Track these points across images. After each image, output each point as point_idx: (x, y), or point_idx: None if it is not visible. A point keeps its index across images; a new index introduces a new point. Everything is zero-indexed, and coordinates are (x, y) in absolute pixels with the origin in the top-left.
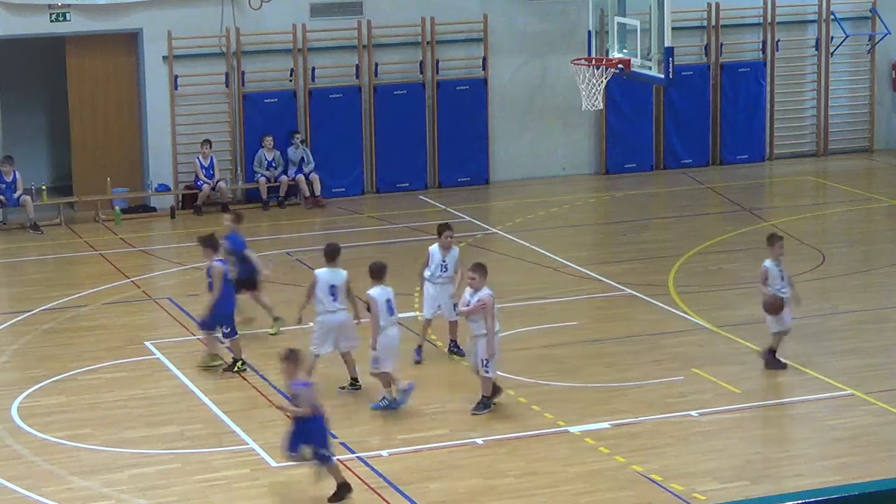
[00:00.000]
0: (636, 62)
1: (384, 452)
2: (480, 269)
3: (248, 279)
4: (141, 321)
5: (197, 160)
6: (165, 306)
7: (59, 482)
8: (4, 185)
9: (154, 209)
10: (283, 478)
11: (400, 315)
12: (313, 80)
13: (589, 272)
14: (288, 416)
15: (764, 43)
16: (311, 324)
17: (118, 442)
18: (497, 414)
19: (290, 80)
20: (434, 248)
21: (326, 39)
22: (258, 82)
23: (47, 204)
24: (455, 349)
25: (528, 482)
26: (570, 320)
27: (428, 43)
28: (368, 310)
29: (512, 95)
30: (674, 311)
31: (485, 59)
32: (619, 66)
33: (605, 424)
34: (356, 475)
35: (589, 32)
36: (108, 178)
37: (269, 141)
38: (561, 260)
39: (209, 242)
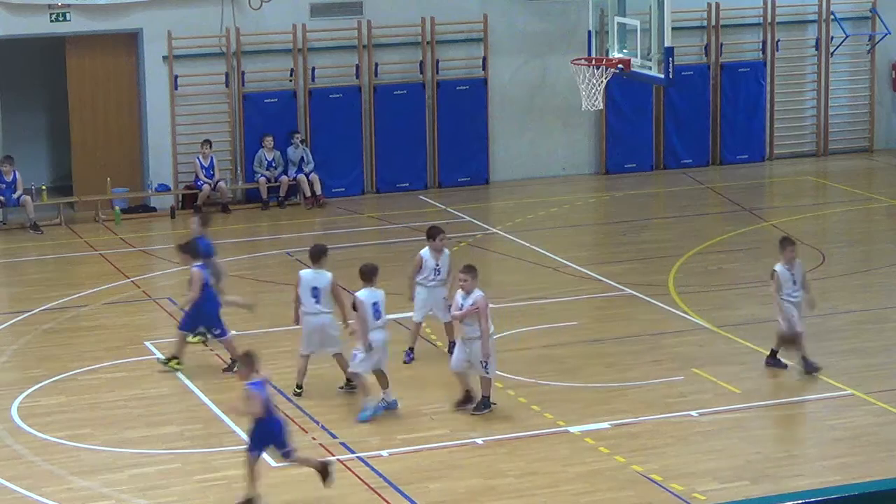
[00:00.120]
0: (636, 62)
1: (384, 452)
2: (472, 270)
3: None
4: (141, 321)
5: (197, 160)
6: (165, 306)
7: (59, 482)
8: (4, 185)
9: (154, 209)
10: (283, 478)
11: (399, 315)
12: (313, 80)
13: (589, 272)
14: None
15: (764, 43)
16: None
17: (118, 442)
18: (497, 414)
19: (290, 80)
20: (425, 253)
21: (326, 39)
22: (258, 82)
23: (47, 204)
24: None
25: (528, 482)
26: (570, 320)
27: (428, 43)
28: (355, 309)
29: (512, 95)
30: (674, 311)
31: (485, 59)
32: (619, 66)
33: (605, 424)
34: (356, 475)
35: (589, 32)
36: (108, 178)
37: (269, 141)
38: (561, 260)
39: (187, 248)
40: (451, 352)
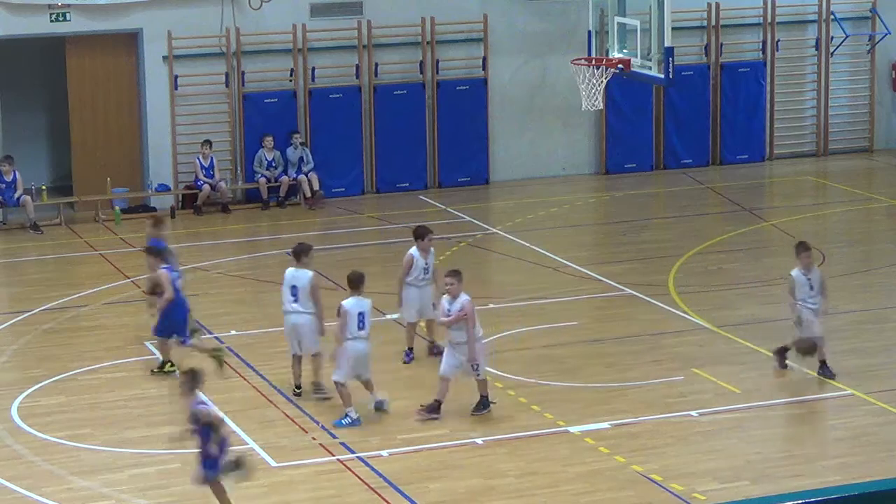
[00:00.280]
0: (636, 62)
1: (384, 452)
2: (457, 275)
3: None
4: (141, 321)
5: (197, 160)
6: None
7: (59, 482)
8: (4, 185)
9: (154, 209)
10: (283, 478)
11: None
12: (313, 80)
13: (589, 272)
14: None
15: (764, 43)
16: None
17: (118, 442)
18: (497, 414)
19: (290, 80)
20: (415, 253)
21: (326, 39)
22: (258, 82)
23: (47, 204)
24: (436, 350)
25: (528, 482)
26: (570, 320)
27: (428, 43)
28: (339, 315)
29: (512, 95)
30: (674, 311)
31: (485, 59)
32: (619, 66)
33: (605, 424)
34: (356, 475)
35: (589, 32)
36: (108, 178)
37: (269, 141)
38: (561, 260)
39: (154, 251)
40: (431, 353)
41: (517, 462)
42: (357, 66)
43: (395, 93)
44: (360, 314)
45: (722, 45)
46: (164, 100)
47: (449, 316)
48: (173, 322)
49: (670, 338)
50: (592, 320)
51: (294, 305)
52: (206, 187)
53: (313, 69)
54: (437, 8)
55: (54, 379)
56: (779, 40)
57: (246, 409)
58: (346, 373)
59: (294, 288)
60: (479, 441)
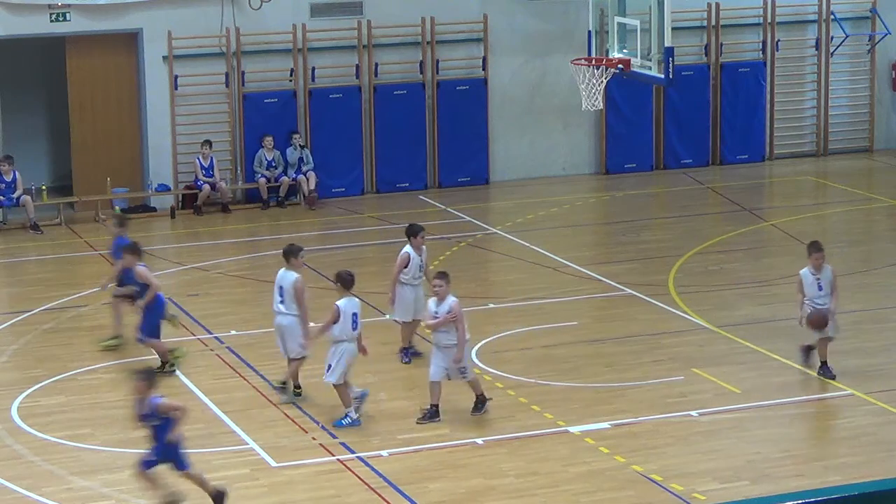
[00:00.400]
0: (636, 62)
1: (384, 452)
2: (446, 277)
3: (122, 286)
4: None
5: (197, 160)
6: None
7: (59, 482)
8: (4, 185)
9: (154, 209)
10: (283, 478)
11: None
12: (313, 80)
13: (589, 272)
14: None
15: (764, 43)
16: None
17: (118, 442)
18: (497, 414)
19: (290, 80)
20: (410, 251)
21: (326, 39)
22: (258, 82)
23: (47, 204)
24: (412, 353)
25: (528, 482)
26: (570, 320)
27: (428, 43)
28: (335, 319)
29: (512, 95)
30: (674, 311)
31: (485, 59)
32: (619, 66)
33: (605, 424)
34: (356, 475)
35: (589, 32)
36: (108, 178)
37: (268, 141)
38: (561, 260)
39: (132, 248)
40: (402, 351)
41: (517, 462)
42: (357, 66)
43: (395, 93)
44: (354, 314)
45: (722, 45)
46: (164, 100)
47: (436, 318)
48: (157, 319)
49: (670, 338)
50: (592, 320)
51: (280, 306)
52: (206, 187)
53: (313, 69)
54: (437, 8)
55: (54, 379)
56: (779, 40)
57: (246, 409)
58: (341, 373)
59: (280, 289)
60: (479, 441)
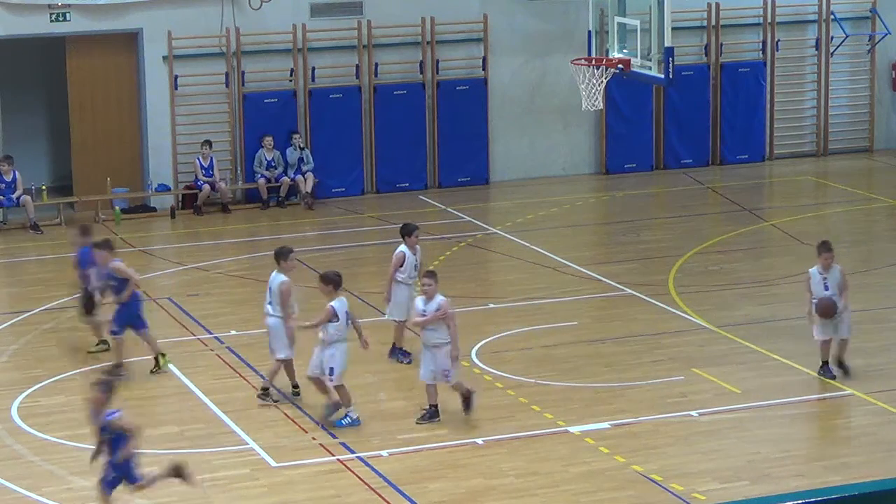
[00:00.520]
0: (636, 62)
1: (384, 452)
2: (434, 276)
3: (87, 297)
4: None
5: (197, 160)
6: (165, 306)
7: (59, 482)
8: (4, 185)
9: (154, 209)
10: (283, 478)
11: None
12: (313, 80)
13: (589, 272)
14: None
15: (764, 43)
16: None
17: None
18: (497, 414)
19: (290, 80)
20: (405, 250)
21: (326, 39)
22: (258, 82)
23: (47, 204)
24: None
25: (528, 482)
26: (570, 320)
27: (428, 43)
28: (330, 321)
29: (512, 95)
30: (674, 311)
31: (485, 59)
32: (619, 66)
33: (605, 424)
34: (356, 475)
35: (589, 32)
36: (108, 178)
37: (268, 141)
38: (561, 260)
39: (106, 245)
40: (392, 350)
41: (517, 462)
42: (357, 66)
43: (395, 93)
44: (346, 314)
45: (722, 45)
46: (164, 100)
47: (424, 316)
48: (130, 314)
49: (670, 338)
50: (592, 320)
51: (268, 307)
52: (206, 187)
53: (313, 69)
54: (437, 8)
55: (54, 379)
56: (779, 40)
57: (246, 408)
58: (341, 373)
59: (270, 290)
60: (479, 441)
